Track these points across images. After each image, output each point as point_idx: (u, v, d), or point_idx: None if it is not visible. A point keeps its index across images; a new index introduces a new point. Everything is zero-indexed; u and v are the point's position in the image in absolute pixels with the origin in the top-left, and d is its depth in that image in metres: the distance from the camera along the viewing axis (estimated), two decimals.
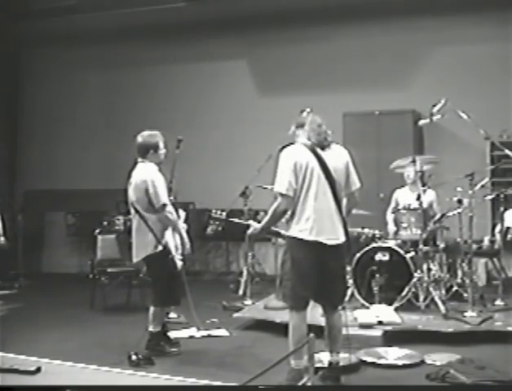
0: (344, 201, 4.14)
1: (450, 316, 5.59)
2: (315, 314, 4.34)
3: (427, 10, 8.46)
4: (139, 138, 5.02)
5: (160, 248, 4.87)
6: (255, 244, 8.25)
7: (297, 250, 4.02)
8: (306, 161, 3.98)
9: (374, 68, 8.72)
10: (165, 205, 4.83)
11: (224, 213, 4.19)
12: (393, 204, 6.81)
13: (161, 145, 5.01)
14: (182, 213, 5.29)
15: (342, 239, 4.05)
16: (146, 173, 4.88)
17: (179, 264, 4.96)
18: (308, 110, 4.23)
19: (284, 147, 4.12)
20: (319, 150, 4.03)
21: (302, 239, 3.96)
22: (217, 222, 4.19)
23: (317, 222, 3.95)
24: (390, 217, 6.76)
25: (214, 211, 4.20)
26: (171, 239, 4.94)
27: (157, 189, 4.82)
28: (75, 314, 6.75)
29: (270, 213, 4.07)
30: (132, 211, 4.98)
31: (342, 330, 4.19)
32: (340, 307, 4.21)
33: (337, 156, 4.11)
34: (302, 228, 3.97)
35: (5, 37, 10.01)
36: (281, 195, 3.97)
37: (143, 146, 4.99)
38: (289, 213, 4.03)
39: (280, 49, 9.18)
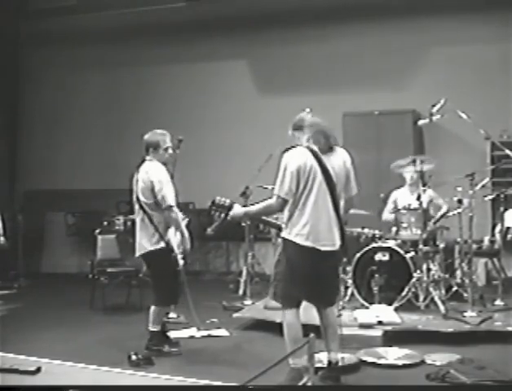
0: (342, 203, 4.15)
1: (450, 316, 5.59)
2: (314, 313, 4.33)
3: (427, 11, 8.46)
4: (145, 136, 5.09)
5: (162, 244, 4.89)
6: (255, 244, 8.27)
7: (292, 253, 4.03)
8: (309, 166, 3.97)
9: (374, 68, 8.71)
10: (171, 206, 4.86)
11: (228, 201, 4.15)
12: (391, 205, 6.79)
13: (162, 144, 5.02)
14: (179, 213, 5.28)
15: (337, 244, 4.06)
16: (153, 172, 4.91)
17: (181, 262, 4.96)
18: (308, 110, 4.22)
19: (287, 149, 4.11)
20: (321, 154, 4.03)
21: (298, 244, 3.98)
22: (220, 209, 4.13)
23: (314, 228, 3.96)
24: (387, 216, 6.72)
25: (218, 198, 4.16)
26: (174, 236, 4.95)
27: (163, 189, 4.85)
28: (75, 314, 6.75)
29: (262, 206, 4.07)
30: (136, 207, 5.01)
31: (337, 329, 4.20)
32: (334, 306, 4.22)
33: (340, 160, 4.11)
34: (299, 232, 3.97)
35: (5, 37, 10.02)
36: (279, 197, 3.98)
37: (144, 143, 5.07)
38: (287, 215, 4.03)
39: (280, 49, 9.18)
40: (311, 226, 3.96)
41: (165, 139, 5.06)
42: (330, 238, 4.01)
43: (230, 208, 4.10)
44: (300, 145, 4.09)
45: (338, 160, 4.10)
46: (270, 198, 4.05)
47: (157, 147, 5.01)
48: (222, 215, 4.13)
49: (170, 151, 5.12)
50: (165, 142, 5.05)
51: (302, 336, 3.93)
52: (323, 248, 3.98)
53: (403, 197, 6.72)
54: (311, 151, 4.03)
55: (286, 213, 4.05)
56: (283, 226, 4.12)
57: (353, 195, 4.20)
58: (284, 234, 4.06)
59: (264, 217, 4.38)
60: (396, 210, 6.45)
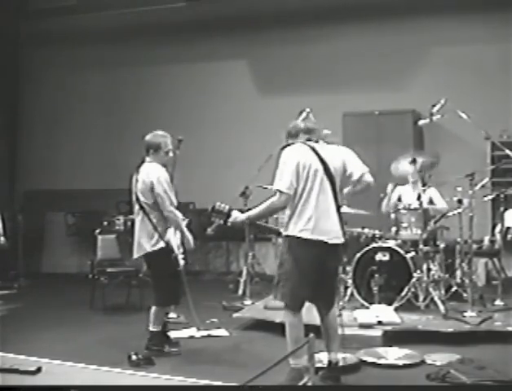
0: (346, 190, 4.18)
1: (450, 316, 5.59)
2: (314, 313, 4.33)
3: (427, 11, 8.46)
4: (146, 136, 5.08)
5: (161, 244, 4.89)
6: (255, 244, 8.27)
7: (298, 250, 4.01)
8: (309, 161, 3.99)
9: (374, 68, 8.71)
10: (169, 208, 4.87)
11: (227, 207, 4.15)
12: (394, 200, 6.76)
13: (163, 147, 5.02)
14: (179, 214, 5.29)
15: (342, 238, 4.06)
16: (153, 173, 4.91)
17: (181, 263, 4.97)
18: (308, 110, 4.23)
19: (286, 145, 4.12)
20: (320, 149, 4.04)
21: (304, 239, 3.96)
22: (219, 216, 4.15)
23: (319, 222, 3.96)
24: (386, 208, 6.67)
25: (218, 203, 4.17)
26: (173, 237, 4.95)
27: (163, 191, 4.86)
28: (75, 314, 6.75)
29: (264, 206, 4.05)
30: (136, 207, 5.01)
31: (338, 329, 4.21)
32: (335, 306, 4.22)
33: (336, 155, 4.13)
34: (303, 228, 3.96)
35: (5, 37, 10.02)
36: (281, 192, 3.97)
37: (145, 144, 5.05)
38: (289, 212, 4.03)
39: (280, 49, 9.19)
40: (315, 220, 3.95)
41: (166, 141, 5.05)
42: (335, 231, 4.02)
43: (228, 214, 4.10)
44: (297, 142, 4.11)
45: (334, 155, 4.11)
46: (272, 197, 4.05)
47: (158, 149, 5.01)
48: (221, 221, 4.12)
49: (171, 154, 5.12)
50: (166, 144, 5.04)
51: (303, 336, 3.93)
52: (330, 241, 3.98)
53: (407, 194, 6.70)
54: (310, 146, 4.04)
55: (287, 211, 4.04)
56: (281, 230, 4.12)
57: (364, 173, 4.12)
58: (287, 232, 4.04)
59: (263, 224, 4.37)
60: (396, 210, 6.44)
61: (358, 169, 4.16)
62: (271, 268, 8.15)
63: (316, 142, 4.11)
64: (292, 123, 4.26)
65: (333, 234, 4.01)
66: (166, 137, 5.07)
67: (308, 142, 4.08)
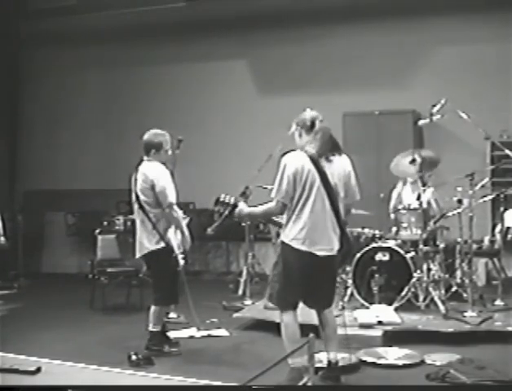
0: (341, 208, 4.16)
1: (450, 316, 5.60)
2: (312, 313, 4.34)
3: (427, 10, 8.46)
4: (145, 136, 5.08)
5: (162, 244, 4.90)
6: (255, 244, 8.26)
7: (288, 256, 4.06)
8: (306, 171, 3.98)
9: (374, 68, 8.71)
10: (171, 204, 4.88)
11: (233, 199, 4.17)
12: (395, 198, 6.75)
13: (165, 145, 5.03)
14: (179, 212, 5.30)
15: (335, 249, 4.05)
16: (153, 172, 4.92)
17: (182, 262, 4.97)
18: (308, 110, 4.21)
19: (285, 152, 4.12)
20: (323, 160, 4.03)
21: (294, 248, 3.99)
22: (225, 207, 4.16)
23: (311, 233, 3.97)
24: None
25: (222, 195, 4.18)
26: (174, 237, 4.95)
27: (164, 188, 4.87)
28: (75, 314, 6.75)
29: (263, 209, 4.11)
30: (136, 207, 5.01)
31: (337, 329, 4.22)
32: (333, 306, 4.23)
33: (339, 166, 4.11)
34: (295, 237, 3.99)
35: (5, 37, 10.01)
36: (278, 201, 4.01)
37: (146, 144, 5.05)
38: (286, 219, 4.06)
39: (280, 49, 9.18)
40: (307, 231, 3.97)
41: (167, 140, 5.07)
42: (327, 242, 4.02)
43: (235, 205, 4.12)
44: (299, 147, 4.09)
45: (338, 166, 4.09)
46: (271, 201, 4.07)
47: (160, 149, 5.01)
48: (226, 212, 4.13)
49: (170, 152, 5.13)
50: (167, 142, 5.06)
51: (302, 336, 3.93)
52: (319, 253, 3.99)
53: (406, 194, 6.70)
54: (309, 155, 4.03)
55: (284, 217, 4.07)
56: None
57: (355, 200, 4.21)
58: (281, 237, 4.10)
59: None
60: (396, 210, 6.45)
61: (358, 193, 4.19)
62: (270, 268, 8.14)
63: (324, 150, 4.07)
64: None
65: (324, 245, 4.00)
66: (165, 135, 5.08)
67: (308, 151, 4.04)
